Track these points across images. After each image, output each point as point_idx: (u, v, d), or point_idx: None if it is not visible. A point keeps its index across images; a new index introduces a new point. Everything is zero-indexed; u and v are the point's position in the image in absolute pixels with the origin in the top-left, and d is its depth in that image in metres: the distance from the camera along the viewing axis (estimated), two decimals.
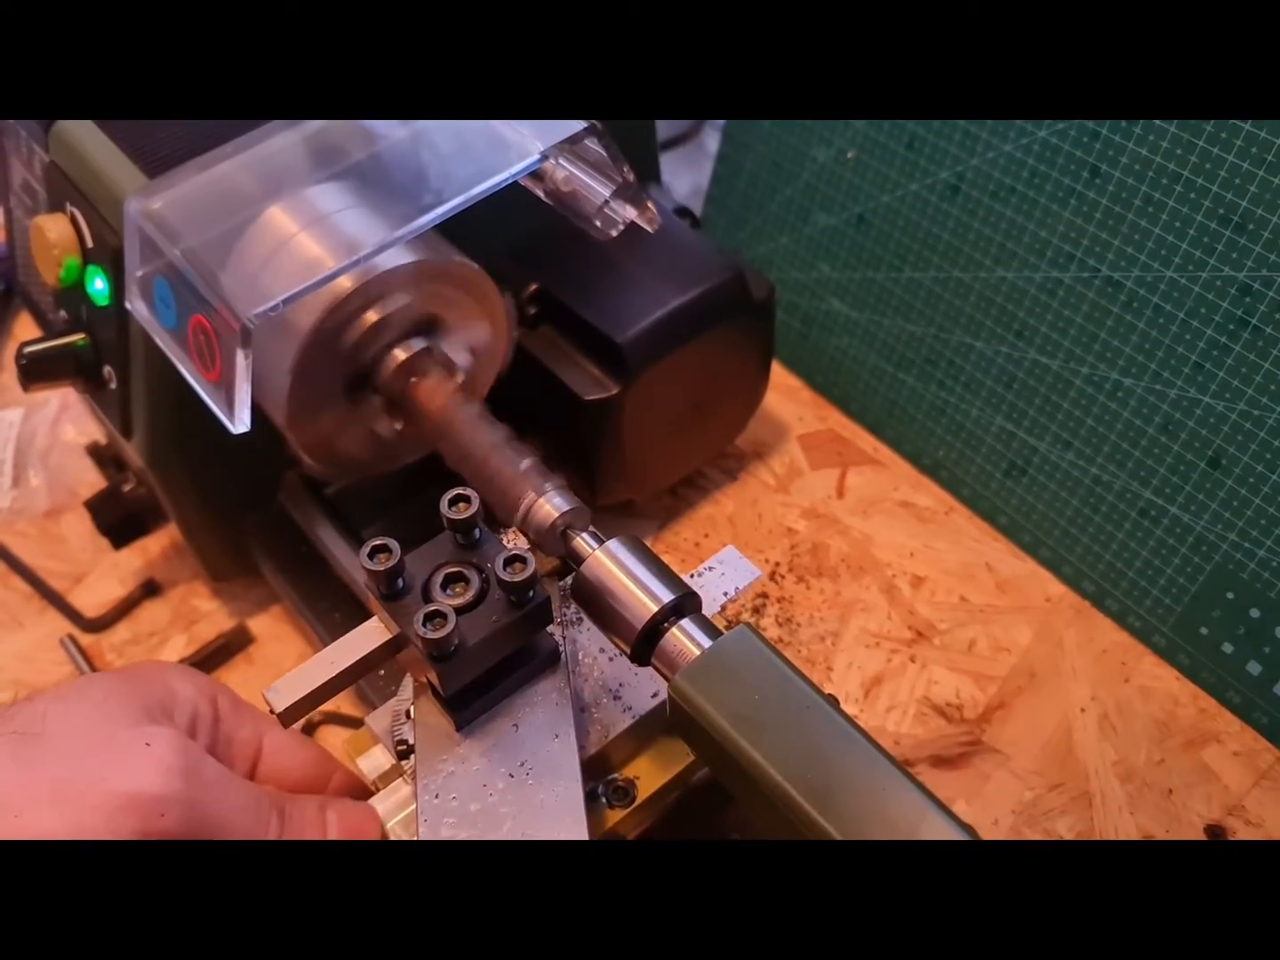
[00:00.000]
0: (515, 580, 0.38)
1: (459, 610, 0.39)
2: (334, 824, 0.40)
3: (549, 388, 0.61)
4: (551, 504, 0.42)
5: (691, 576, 0.47)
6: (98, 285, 0.53)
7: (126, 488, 0.67)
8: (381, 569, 0.38)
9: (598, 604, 0.40)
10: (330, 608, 0.63)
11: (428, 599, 0.40)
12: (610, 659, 0.45)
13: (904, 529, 0.71)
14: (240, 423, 0.45)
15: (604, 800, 0.42)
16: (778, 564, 0.69)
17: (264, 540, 0.65)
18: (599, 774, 0.43)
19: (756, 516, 0.72)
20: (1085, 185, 0.61)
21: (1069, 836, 0.57)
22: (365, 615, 0.59)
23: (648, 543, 0.42)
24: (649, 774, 0.43)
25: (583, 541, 0.41)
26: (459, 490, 0.41)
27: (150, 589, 0.70)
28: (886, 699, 0.62)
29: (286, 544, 0.64)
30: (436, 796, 0.39)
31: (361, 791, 0.44)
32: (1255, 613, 0.59)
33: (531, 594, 0.40)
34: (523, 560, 0.39)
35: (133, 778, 0.35)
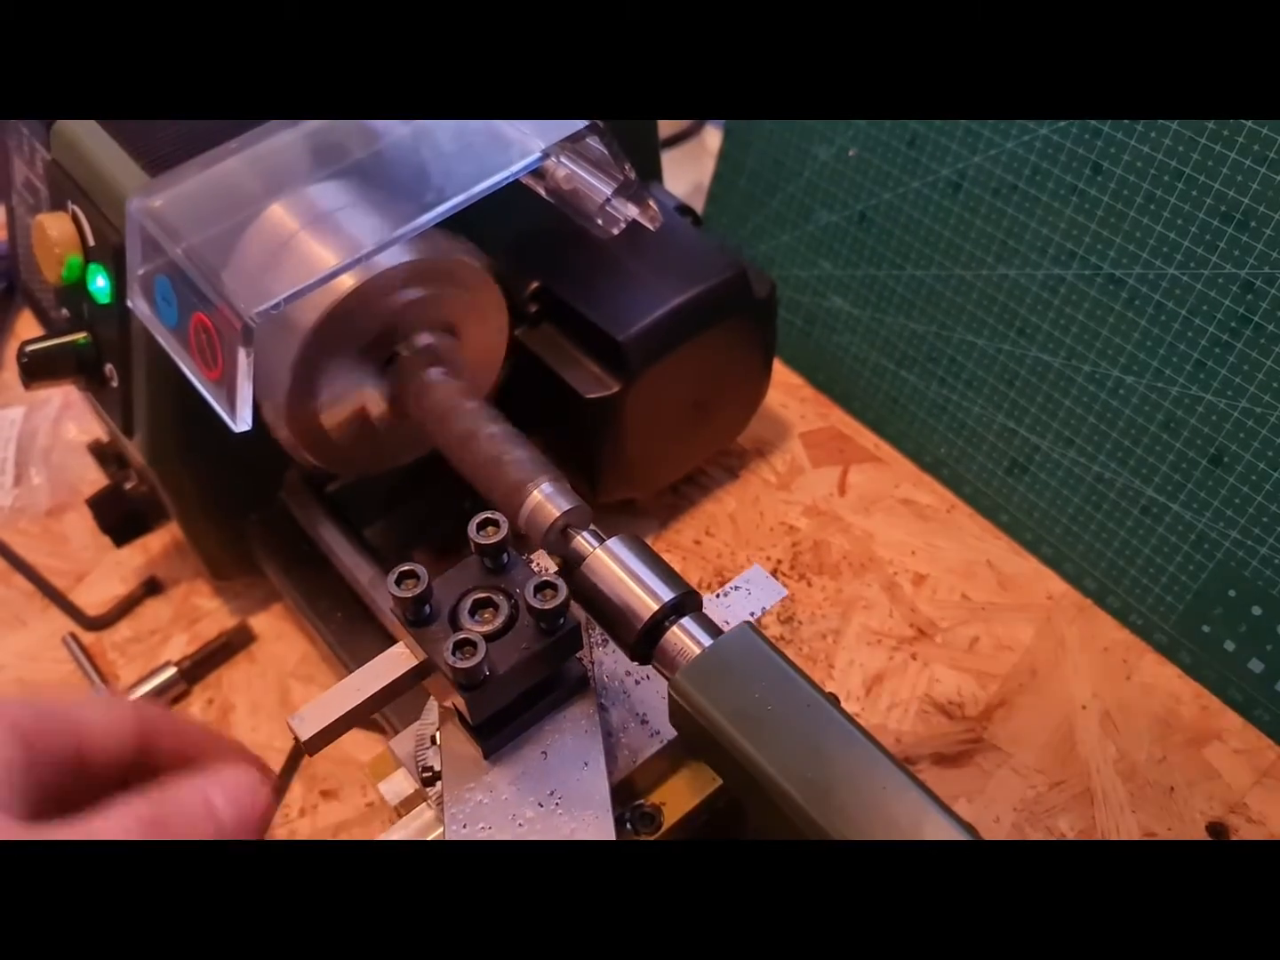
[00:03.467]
0: (546, 607, 0.38)
1: (488, 637, 0.38)
2: (224, 809, 0.33)
3: (550, 386, 0.61)
4: (552, 503, 0.42)
5: (718, 596, 0.46)
6: (99, 283, 0.53)
7: (128, 486, 0.68)
8: (409, 595, 0.38)
9: (598, 603, 0.40)
10: (332, 606, 0.63)
11: (456, 625, 0.39)
12: (637, 682, 0.44)
13: (905, 527, 0.71)
14: (242, 421, 0.45)
15: (630, 827, 0.41)
16: (779, 562, 0.69)
17: (266, 539, 0.65)
18: (625, 800, 0.42)
19: (758, 514, 0.72)
20: (1087, 183, 0.60)
21: (1071, 834, 0.57)
22: (367, 614, 0.60)
23: (649, 541, 0.42)
24: (675, 800, 0.42)
25: (583, 540, 0.41)
26: (487, 514, 0.40)
27: (152, 587, 0.70)
28: (888, 697, 0.62)
29: (288, 542, 0.65)
30: (465, 826, 0.38)
31: (205, 736, 0.38)
32: (1257, 610, 0.59)
33: (562, 620, 0.39)
34: (554, 587, 0.38)
35: None
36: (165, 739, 0.36)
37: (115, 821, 0.31)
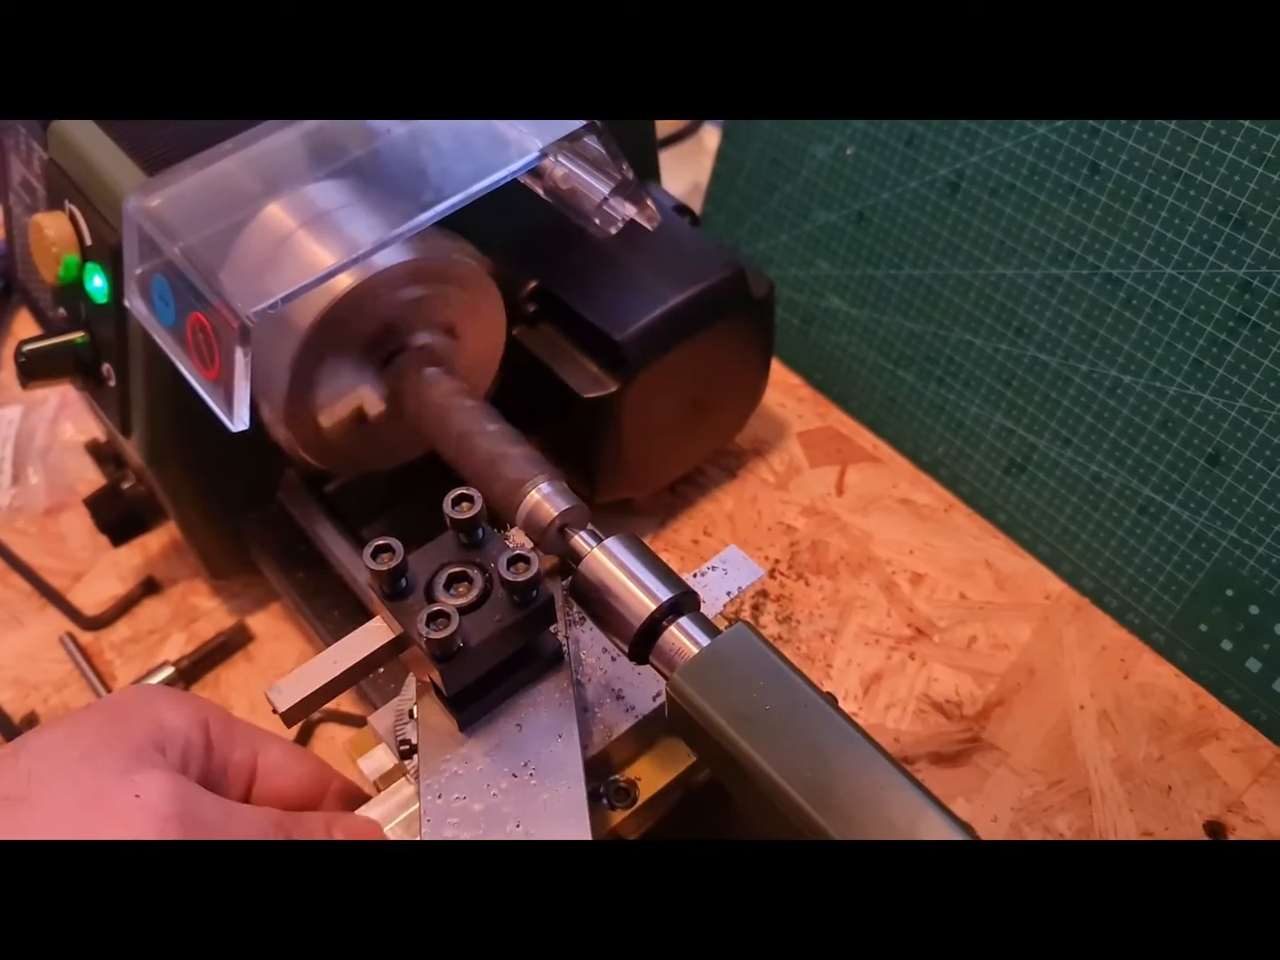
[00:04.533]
0: (518, 580, 0.38)
1: (462, 610, 0.38)
2: (340, 837, 0.40)
3: (548, 385, 0.61)
4: (550, 502, 0.42)
5: (695, 576, 0.47)
6: (96, 283, 0.53)
7: (126, 485, 0.68)
8: (385, 569, 0.38)
9: (596, 602, 0.40)
10: (329, 605, 0.63)
11: (431, 599, 0.39)
12: (613, 659, 0.45)
13: (903, 526, 0.71)
14: (239, 421, 0.45)
15: (606, 801, 0.42)
16: (777, 561, 0.69)
17: (263, 538, 0.65)
18: (601, 775, 0.43)
19: (756, 514, 0.72)
20: (1085, 182, 0.60)
21: (1068, 834, 0.57)
22: (364, 613, 0.60)
23: (647, 541, 0.42)
24: (651, 775, 0.43)
25: (581, 540, 0.41)
26: (462, 490, 0.40)
27: (150, 587, 0.70)
28: (886, 696, 0.63)
29: (286, 542, 0.65)
30: (440, 797, 0.39)
31: (361, 797, 0.44)
32: (1254, 610, 0.59)
33: (535, 594, 0.39)
34: (526, 560, 0.39)
35: (126, 833, 0.33)
36: (330, 802, 0.43)
37: (255, 815, 0.37)
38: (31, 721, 0.64)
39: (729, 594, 0.47)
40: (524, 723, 0.41)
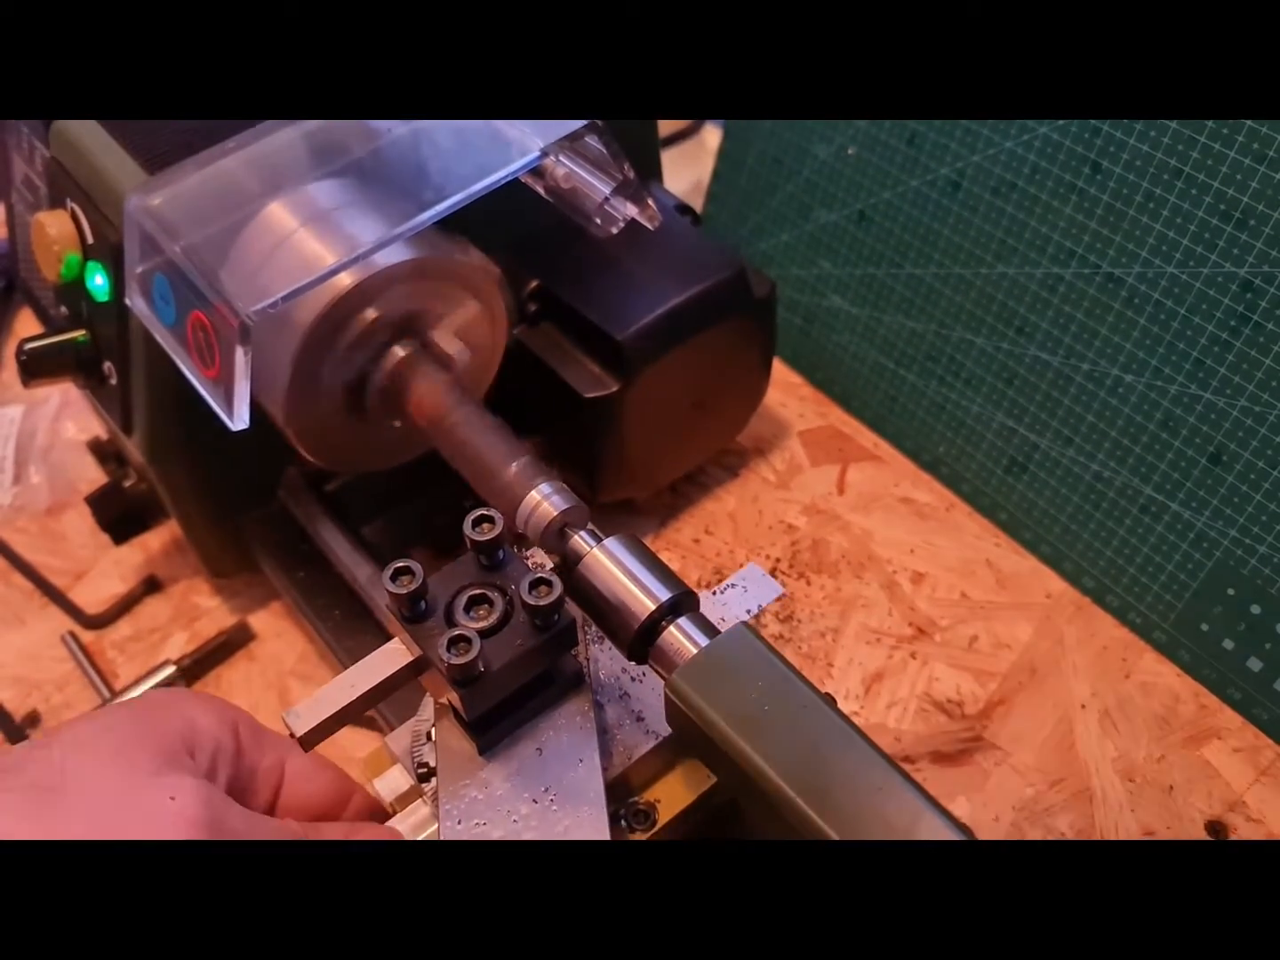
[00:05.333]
0: (540, 604, 0.38)
1: (483, 633, 0.38)
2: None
3: (549, 385, 0.61)
4: (550, 502, 0.42)
5: (715, 594, 0.46)
6: (98, 281, 0.53)
7: (127, 484, 0.68)
8: (404, 592, 0.38)
9: (595, 602, 0.40)
10: (330, 604, 0.63)
11: (451, 622, 0.39)
12: (634, 679, 0.44)
13: (904, 525, 0.71)
14: (240, 420, 0.45)
15: (625, 824, 0.41)
16: (778, 560, 0.69)
17: (264, 537, 0.65)
18: (620, 797, 0.42)
19: (757, 513, 0.72)
20: (1086, 181, 0.60)
21: (1070, 833, 0.57)
22: (365, 613, 0.60)
23: (648, 540, 0.42)
24: (670, 797, 0.42)
25: (581, 540, 0.41)
26: (483, 511, 0.40)
27: (151, 585, 0.70)
28: (887, 695, 0.62)
29: (287, 541, 0.65)
30: (459, 822, 0.38)
31: (380, 811, 0.44)
32: (1256, 609, 0.59)
33: (556, 617, 0.39)
34: (548, 583, 0.38)
35: (158, 835, 0.34)
36: (351, 814, 0.43)
37: (277, 827, 0.38)
38: (33, 720, 0.64)
39: (749, 612, 0.46)
40: (544, 747, 0.40)
